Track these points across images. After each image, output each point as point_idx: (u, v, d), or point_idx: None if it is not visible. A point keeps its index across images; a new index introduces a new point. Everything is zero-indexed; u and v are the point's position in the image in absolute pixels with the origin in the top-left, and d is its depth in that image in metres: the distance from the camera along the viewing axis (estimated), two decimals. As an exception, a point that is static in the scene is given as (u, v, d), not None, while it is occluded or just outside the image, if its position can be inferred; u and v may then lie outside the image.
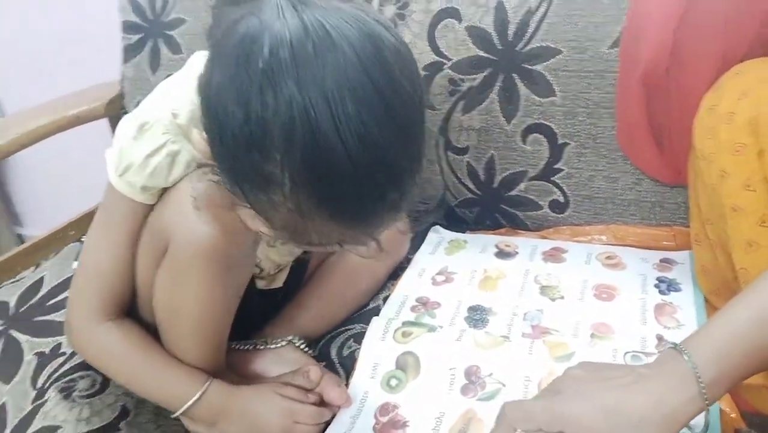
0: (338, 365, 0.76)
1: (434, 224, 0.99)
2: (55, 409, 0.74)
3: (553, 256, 0.87)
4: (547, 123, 0.89)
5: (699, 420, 0.53)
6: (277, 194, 0.48)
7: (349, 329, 0.81)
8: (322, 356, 0.78)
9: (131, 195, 0.64)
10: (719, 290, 0.73)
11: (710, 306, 0.75)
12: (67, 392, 0.76)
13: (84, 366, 0.78)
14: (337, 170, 0.46)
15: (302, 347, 0.76)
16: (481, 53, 0.90)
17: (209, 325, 0.68)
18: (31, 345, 0.84)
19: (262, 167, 0.47)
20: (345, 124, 0.45)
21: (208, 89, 0.50)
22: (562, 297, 0.79)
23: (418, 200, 0.53)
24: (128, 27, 1.13)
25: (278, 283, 0.81)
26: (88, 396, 0.75)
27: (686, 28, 0.72)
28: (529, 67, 0.88)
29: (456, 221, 1.00)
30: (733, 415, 0.61)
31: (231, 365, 0.74)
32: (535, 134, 0.90)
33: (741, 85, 0.65)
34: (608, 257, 0.85)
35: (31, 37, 1.60)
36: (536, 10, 0.86)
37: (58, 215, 1.23)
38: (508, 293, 0.81)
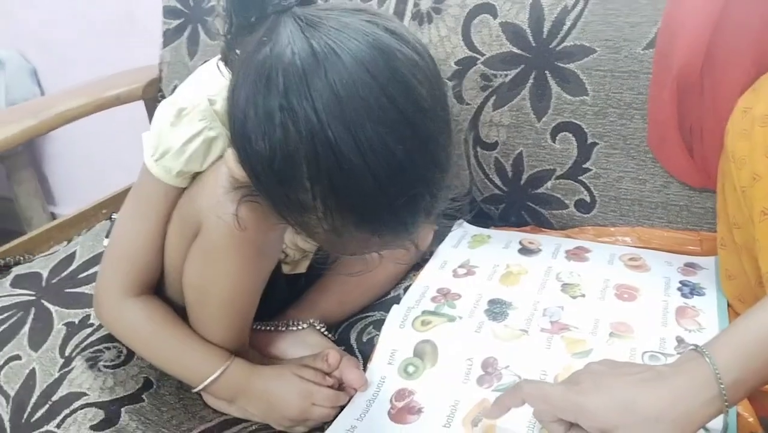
0: (357, 350, 0.77)
1: (458, 218, 1.00)
2: (80, 377, 0.76)
3: (577, 255, 0.87)
4: (578, 122, 0.88)
5: (717, 423, 0.53)
6: (312, 219, 0.49)
7: (369, 316, 0.82)
8: (341, 341, 0.79)
9: (166, 180, 0.65)
10: (743, 295, 0.73)
11: (733, 312, 0.74)
12: (92, 362, 0.78)
13: (110, 338, 0.81)
14: (365, 192, 0.47)
15: (323, 330, 0.78)
16: (515, 50, 0.90)
17: (237, 307, 0.69)
18: (60, 315, 0.87)
19: (295, 196, 0.49)
20: (368, 147, 0.46)
21: (234, 122, 0.51)
22: (583, 295, 0.79)
23: (450, 198, 0.54)
24: (169, 12, 1.16)
25: (302, 268, 0.83)
26: (113, 367, 0.77)
27: (722, 30, 0.71)
28: (562, 65, 0.87)
29: (481, 217, 1.00)
30: (750, 419, 0.61)
31: (253, 344, 0.76)
32: (564, 133, 0.90)
33: (779, 87, 0.64)
34: (632, 259, 0.84)
35: (72, 19, 1.64)
36: (572, 8, 0.86)
37: (91, 195, 1.26)
38: (529, 288, 0.81)
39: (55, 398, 0.73)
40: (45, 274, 0.95)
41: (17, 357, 0.80)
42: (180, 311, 0.72)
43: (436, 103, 0.50)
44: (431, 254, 0.92)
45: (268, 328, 0.78)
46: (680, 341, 0.70)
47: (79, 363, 0.78)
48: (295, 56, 0.47)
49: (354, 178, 0.46)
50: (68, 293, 0.91)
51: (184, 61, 1.15)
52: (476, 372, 0.69)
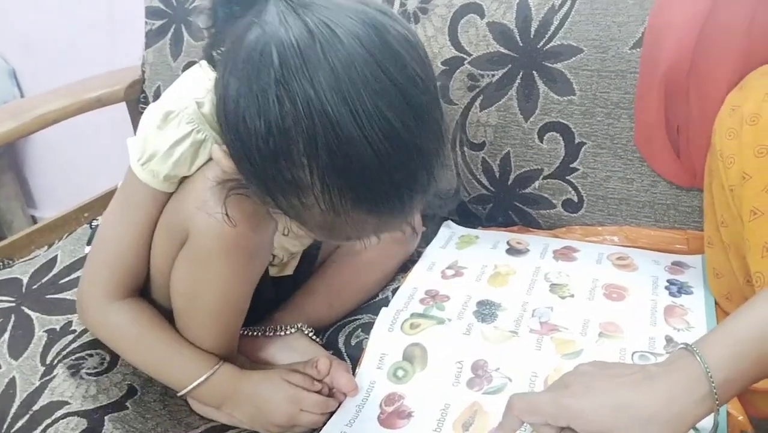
0: (345, 354, 0.76)
1: (446, 219, 0.99)
2: (62, 385, 0.74)
3: (565, 255, 0.86)
4: (565, 122, 0.88)
5: (707, 422, 0.53)
6: (309, 197, 0.49)
7: (357, 319, 0.81)
8: (329, 345, 0.78)
9: (153, 184, 0.64)
10: (731, 294, 0.73)
11: (721, 311, 0.74)
12: (75, 369, 0.76)
13: (93, 345, 0.79)
14: (364, 166, 0.47)
15: (310, 335, 0.77)
16: (502, 49, 0.90)
17: (226, 314, 0.68)
18: (42, 322, 0.85)
19: (290, 174, 0.48)
20: (365, 118, 0.46)
21: (225, 106, 0.50)
22: (572, 295, 0.78)
23: (446, 179, 0.54)
24: (151, 12, 1.14)
25: (289, 270, 0.82)
26: (96, 374, 0.75)
27: (710, 28, 0.71)
28: (550, 65, 0.87)
29: (468, 217, 1.00)
30: (740, 418, 0.61)
31: (241, 350, 0.75)
32: (552, 132, 0.89)
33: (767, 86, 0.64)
34: (619, 258, 0.84)
35: (53, 19, 1.61)
36: (560, 8, 0.86)
37: (73, 198, 1.24)
38: (518, 289, 0.81)
39: (36, 407, 0.72)
40: (25, 280, 0.93)
41: (-3, 366, 0.78)
42: (167, 315, 0.70)
43: (428, 79, 0.51)
44: (419, 255, 0.91)
45: (256, 333, 0.76)
46: (669, 340, 0.70)
47: (60, 371, 0.76)
48: (290, 32, 0.47)
49: (352, 152, 0.46)
50: (49, 298, 0.89)
51: (168, 62, 1.14)
52: (466, 375, 0.69)
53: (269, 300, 0.80)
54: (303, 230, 0.53)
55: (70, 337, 0.81)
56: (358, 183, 0.48)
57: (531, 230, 0.95)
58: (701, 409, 0.51)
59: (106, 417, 0.70)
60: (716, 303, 0.75)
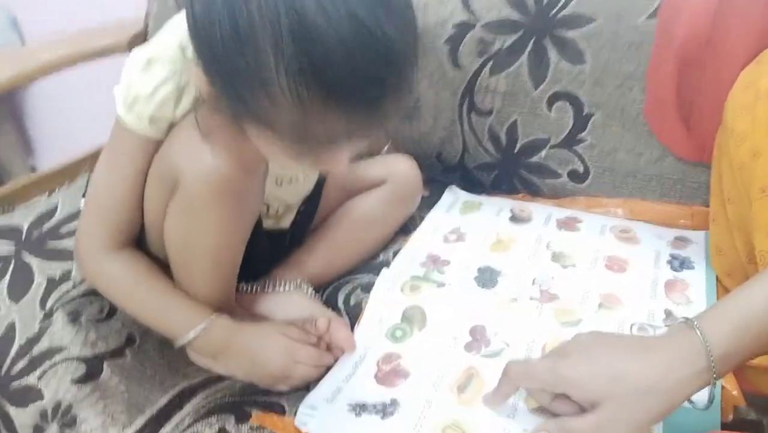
0: (344, 313, 0.77)
1: (450, 184, 0.99)
2: (61, 331, 0.75)
3: (568, 225, 0.86)
4: (575, 92, 0.87)
5: (702, 395, 0.54)
6: (276, 90, 0.48)
7: (357, 278, 0.81)
8: (329, 303, 0.78)
9: (140, 129, 0.63)
10: (732, 271, 0.73)
11: (722, 287, 0.74)
12: (74, 316, 0.77)
13: (93, 292, 0.79)
14: (329, 53, 0.46)
15: (310, 292, 0.77)
16: (515, 15, 0.88)
17: (221, 260, 0.68)
18: (41, 269, 0.85)
19: (257, 65, 0.48)
20: (332, 8, 0.46)
21: (193, 10, 0.51)
22: (574, 265, 0.78)
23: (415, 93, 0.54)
24: (157, -39, 1.12)
25: (285, 223, 0.81)
26: (96, 321, 0.76)
27: (728, 2, 0.70)
28: (562, 33, 0.86)
29: (473, 184, 0.99)
30: (734, 393, 0.61)
31: (239, 305, 0.75)
32: (561, 102, 0.89)
33: (785, 62, 0.63)
34: (623, 231, 0.84)
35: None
36: (575, -26, 0.84)
37: (73, 148, 1.23)
38: (520, 257, 0.81)
39: (35, 351, 0.72)
40: (25, 226, 0.93)
41: (-4, 309, 0.78)
42: (163, 267, 0.70)
43: None
44: (422, 218, 0.91)
45: (254, 289, 0.77)
46: (668, 314, 0.70)
47: (60, 317, 0.76)
48: None
49: (317, 39, 0.46)
50: (50, 246, 0.89)
51: (171, 14, 1.09)
52: (464, 338, 0.69)
53: (264, 254, 0.79)
54: (276, 142, 0.53)
55: (70, 284, 0.81)
56: (324, 72, 0.47)
57: (535, 198, 0.94)
58: (698, 382, 0.51)
59: (104, 363, 0.70)
60: (717, 280, 0.75)
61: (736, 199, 0.68)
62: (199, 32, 0.51)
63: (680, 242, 0.82)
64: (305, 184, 0.80)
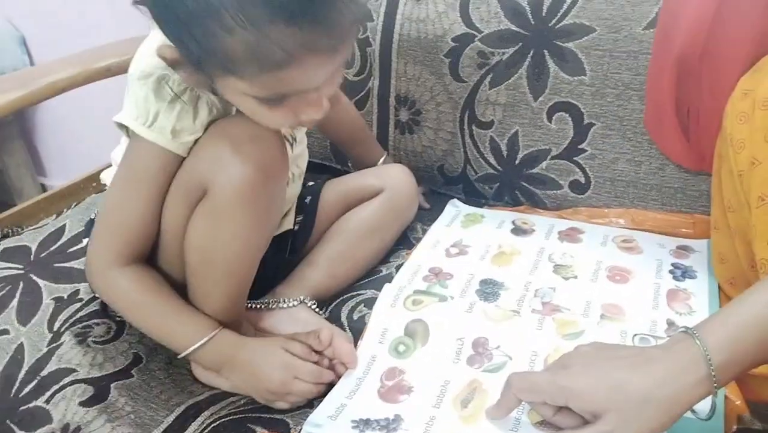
0: (348, 328, 0.77)
1: (452, 197, 0.99)
2: (69, 353, 0.75)
3: (570, 236, 0.86)
4: (575, 102, 0.88)
5: (705, 405, 0.53)
6: (225, 17, 0.50)
7: (360, 294, 0.82)
8: (332, 319, 0.78)
9: (164, 143, 0.65)
10: (735, 279, 0.73)
11: (724, 296, 0.74)
12: (82, 337, 0.77)
13: (100, 313, 0.80)
14: None
15: (313, 307, 0.77)
16: (513, 27, 0.89)
17: (240, 268, 0.69)
18: (49, 290, 0.86)
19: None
20: None
21: None
22: (576, 277, 0.79)
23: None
24: (160, -18, 1.13)
25: (288, 225, 0.82)
26: (103, 342, 0.77)
27: (725, 11, 0.70)
28: (561, 44, 0.86)
29: (474, 196, 0.99)
30: (738, 402, 0.61)
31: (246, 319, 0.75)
32: (561, 113, 0.89)
33: (782, 70, 0.63)
34: (624, 241, 0.84)
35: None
36: (572, -14, 0.85)
37: (82, 167, 1.24)
38: (522, 269, 0.81)
39: (43, 373, 0.73)
40: (34, 247, 0.94)
41: (5, 331, 0.79)
42: (174, 284, 0.71)
43: None
44: (424, 232, 0.91)
45: (259, 306, 0.77)
46: (671, 323, 0.70)
47: (68, 338, 0.77)
48: None
49: None
50: (58, 267, 0.90)
51: None
52: (467, 352, 0.69)
53: (270, 273, 0.79)
54: (241, 80, 0.55)
55: (78, 305, 0.82)
56: None
57: (537, 210, 0.95)
58: (699, 391, 0.51)
59: (112, 385, 0.71)
60: (720, 288, 0.75)
61: (736, 208, 0.68)
62: None
63: (682, 250, 0.82)
64: (292, 188, 0.81)
